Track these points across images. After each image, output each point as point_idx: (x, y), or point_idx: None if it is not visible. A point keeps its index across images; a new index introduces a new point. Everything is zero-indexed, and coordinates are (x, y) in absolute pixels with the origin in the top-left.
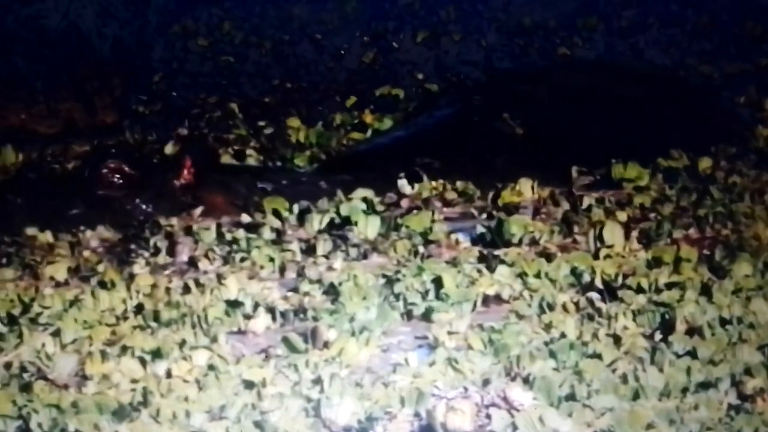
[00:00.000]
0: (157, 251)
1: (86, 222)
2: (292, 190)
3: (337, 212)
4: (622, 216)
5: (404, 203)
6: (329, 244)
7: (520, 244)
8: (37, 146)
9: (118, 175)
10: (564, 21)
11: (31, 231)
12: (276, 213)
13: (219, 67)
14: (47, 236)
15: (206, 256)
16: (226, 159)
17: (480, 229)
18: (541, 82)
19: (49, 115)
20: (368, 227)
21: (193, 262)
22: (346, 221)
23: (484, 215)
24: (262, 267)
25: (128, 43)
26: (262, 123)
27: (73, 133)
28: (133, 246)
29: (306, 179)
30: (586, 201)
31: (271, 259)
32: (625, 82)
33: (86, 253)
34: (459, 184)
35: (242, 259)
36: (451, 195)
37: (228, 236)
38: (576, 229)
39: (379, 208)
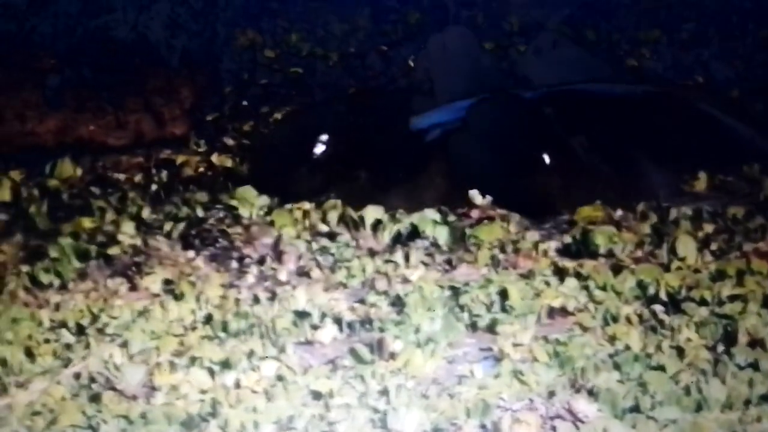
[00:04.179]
0: (262, 260)
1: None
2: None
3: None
4: (709, 228)
5: (474, 214)
6: (421, 254)
7: (605, 255)
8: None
9: None
10: (626, 34)
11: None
12: (353, 223)
13: (288, 78)
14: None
15: (318, 265)
16: None
17: (566, 240)
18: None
19: (117, 127)
20: (438, 237)
21: (304, 272)
22: (416, 231)
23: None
24: (354, 276)
25: (197, 54)
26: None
27: (141, 145)
28: (241, 255)
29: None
30: (673, 213)
31: (363, 270)
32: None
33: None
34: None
35: (339, 268)
36: None
37: (314, 245)
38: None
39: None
